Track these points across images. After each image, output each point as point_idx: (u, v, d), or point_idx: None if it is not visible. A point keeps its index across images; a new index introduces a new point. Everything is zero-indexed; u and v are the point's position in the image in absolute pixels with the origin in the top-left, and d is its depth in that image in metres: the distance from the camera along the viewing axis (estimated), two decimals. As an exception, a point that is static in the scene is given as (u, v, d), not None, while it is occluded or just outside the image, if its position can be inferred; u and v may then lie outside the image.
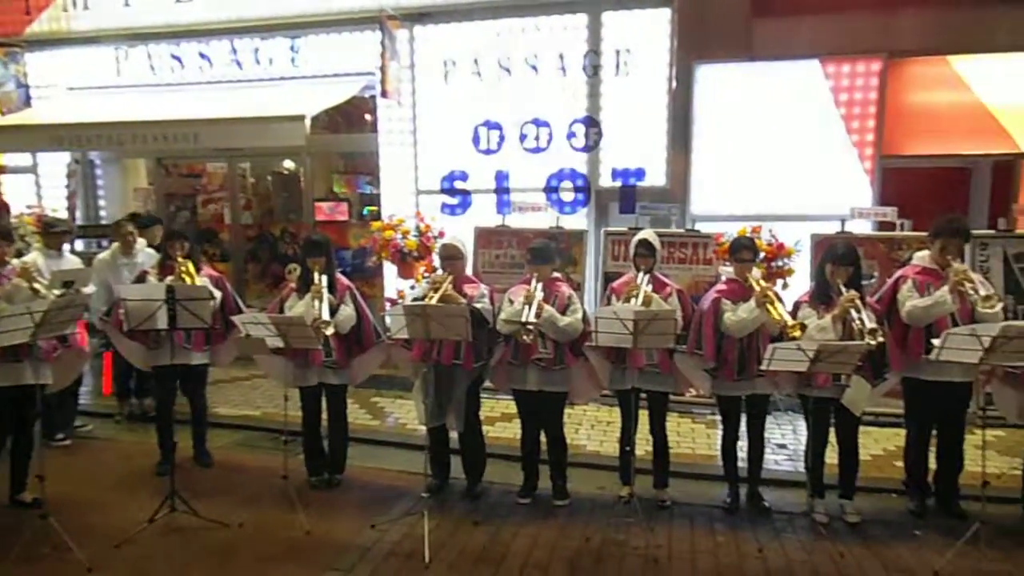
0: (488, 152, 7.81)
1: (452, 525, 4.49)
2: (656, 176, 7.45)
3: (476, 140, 7.81)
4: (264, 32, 8.27)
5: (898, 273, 4.80)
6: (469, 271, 6.92)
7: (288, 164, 9.67)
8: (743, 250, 4.73)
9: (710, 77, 7.45)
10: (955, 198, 7.90)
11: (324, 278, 4.78)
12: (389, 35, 7.28)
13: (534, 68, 7.55)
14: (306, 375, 4.96)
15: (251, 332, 4.59)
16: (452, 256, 4.84)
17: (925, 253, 4.70)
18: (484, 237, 7.35)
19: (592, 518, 4.59)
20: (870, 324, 4.17)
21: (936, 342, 3.99)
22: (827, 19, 7.26)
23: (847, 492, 4.64)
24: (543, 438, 4.96)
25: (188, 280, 4.95)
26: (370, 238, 7.73)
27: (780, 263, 6.86)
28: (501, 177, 7.79)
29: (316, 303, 4.66)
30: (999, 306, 4.29)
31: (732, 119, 7.42)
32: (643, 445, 4.99)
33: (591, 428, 6.33)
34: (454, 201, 8.00)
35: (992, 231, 6.40)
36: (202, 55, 8.58)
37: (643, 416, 4.86)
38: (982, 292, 4.27)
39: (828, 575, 3.89)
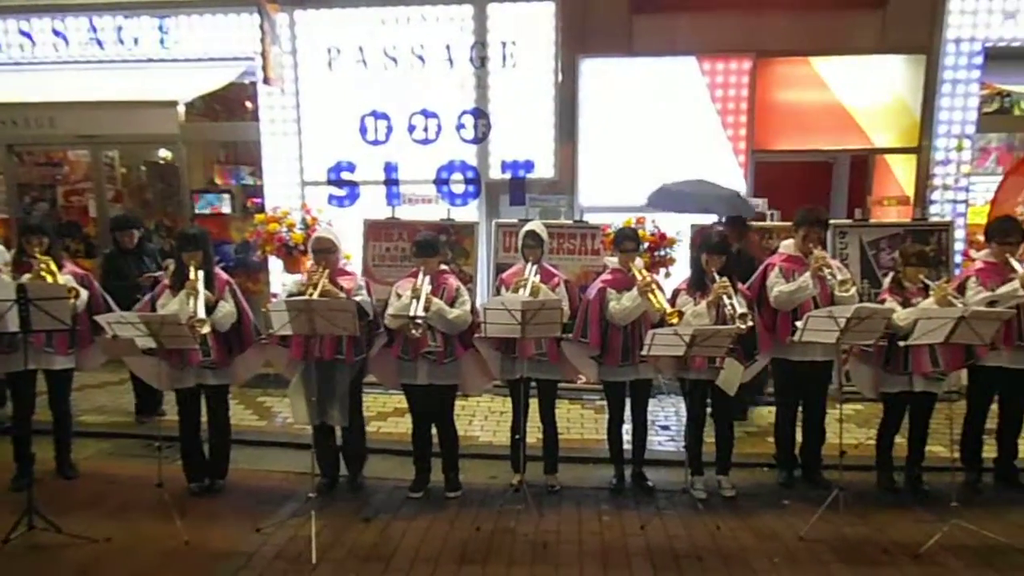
0: (376, 143, 7.67)
1: (341, 524, 4.39)
2: (545, 168, 7.57)
3: (363, 130, 7.64)
4: (127, 10, 7.70)
5: (766, 261, 5.11)
6: (359, 265, 6.86)
7: (163, 153, 9.10)
8: (626, 240, 4.88)
9: (594, 71, 7.64)
10: (818, 190, 8.52)
11: (201, 273, 4.53)
12: (268, 19, 6.98)
13: (421, 58, 7.47)
14: (182, 376, 4.68)
15: (118, 333, 4.30)
16: (325, 249, 4.71)
17: (790, 242, 5.02)
18: (374, 230, 7.21)
19: (483, 507, 4.62)
20: (741, 309, 4.41)
21: (799, 324, 4.29)
22: (702, 17, 7.60)
23: (723, 468, 4.91)
24: (435, 431, 4.94)
25: (49, 278, 4.56)
26: (253, 231, 7.41)
27: (663, 252, 7.16)
28: (390, 168, 7.67)
29: (191, 300, 4.41)
30: (853, 289, 4.65)
31: (616, 112, 7.65)
32: (535, 433, 5.07)
33: (484, 419, 6.37)
34: (342, 193, 7.80)
35: (850, 220, 6.93)
36: (56, 32, 7.89)
37: (534, 404, 4.95)
38: (839, 277, 4.62)
39: (705, 547, 4.10)
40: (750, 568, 3.87)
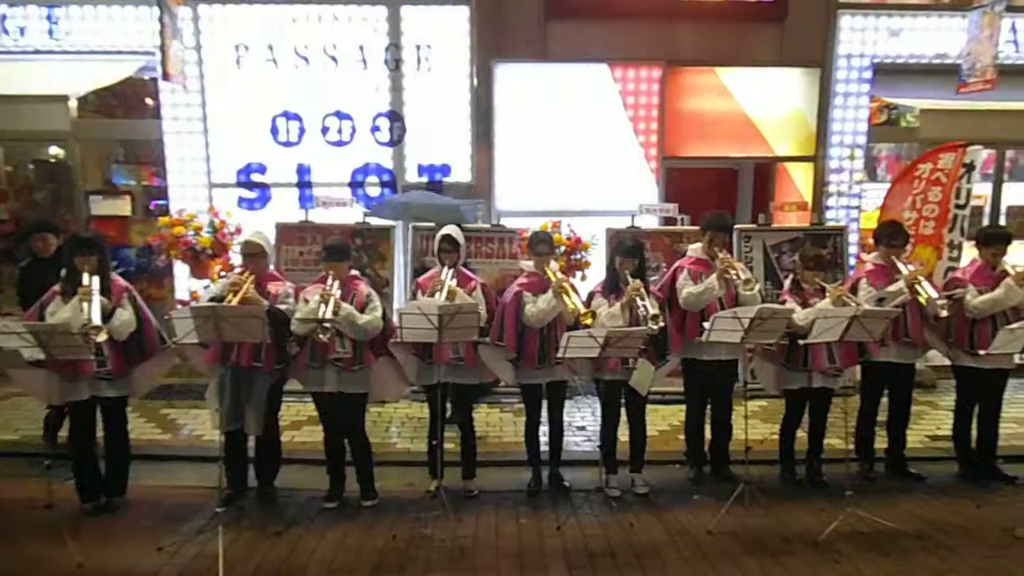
0: (288, 144, 7.46)
1: (251, 538, 4.22)
2: (462, 172, 7.56)
3: (275, 131, 7.43)
4: (12, -3, 7.20)
5: (676, 264, 5.27)
6: (271, 269, 6.63)
7: (54, 151, 8.53)
8: (540, 244, 4.93)
9: (509, 76, 7.70)
10: (725, 196, 8.87)
11: (95, 279, 4.27)
12: (169, 12, 6.66)
13: (334, 59, 7.33)
14: (75, 389, 4.39)
15: (0, 344, 3.99)
16: (255, 253, 4.55)
17: (698, 245, 5.20)
18: (286, 233, 6.98)
19: (400, 515, 4.55)
20: (653, 311, 4.54)
21: (707, 325, 4.45)
22: (614, 26, 7.79)
23: (636, 466, 5.02)
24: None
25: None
26: (157, 235, 7.05)
27: (578, 256, 7.27)
28: (303, 171, 7.48)
29: (85, 307, 4.14)
30: (756, 287, 4.87)
31: (532, 117, 7.73)
32: (452, 438, 5.05)
33: (401, 425, 6.29)
34: (252, 195, 7.55)
35: (754, 225, 7.25)
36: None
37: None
38: (743, 276, 4.82)
39: (620, 544, 4.18)
40: (661, 562, 3.97)
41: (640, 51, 7.78)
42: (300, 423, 6.18)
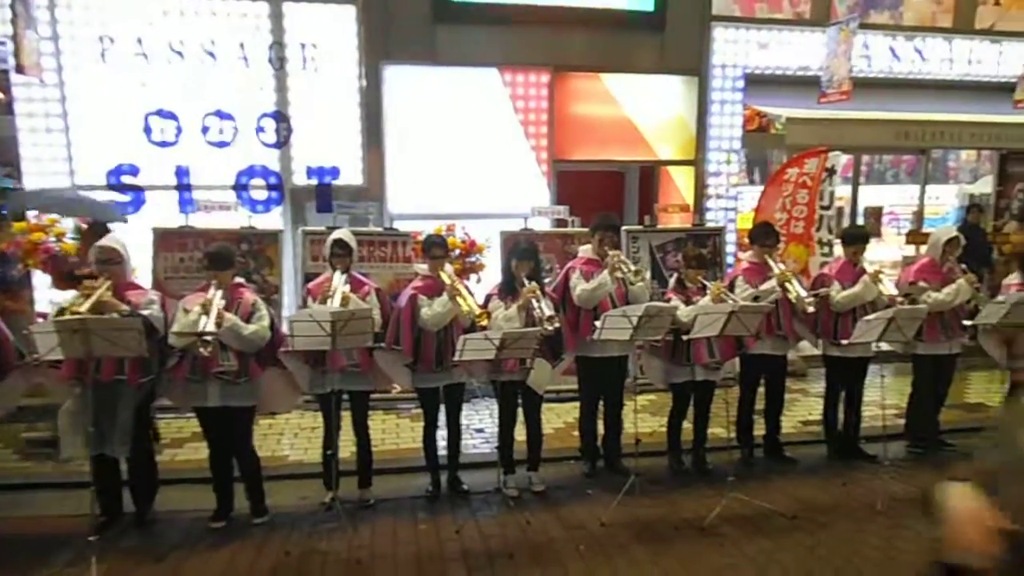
0: (164, 144, 7.04)
1: (129, 566, 3.95)
2: (352, 175, 7.41)
3: (148, 130, 6.98)
4: None
5: (568, 264, 5.40)
6: (148, 278, 6.23)
7: None
8: (434, 247, 4.91)
9: (398, 78, 7.62)
10: (613, 198, 9.18)
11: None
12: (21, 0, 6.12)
13: (212, 55, 6.98)
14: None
15: None
16: (109, 260, 4.24)
17: (588, 246, 5.35)
18: (165, 239, 6.57)
19: (293, 531, 4.40)
20: (548, 312, 4.62)
21: (598, 323, 4.59)
22: (503, 31, 7.87)
23: (533, 465, 5.10)
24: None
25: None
26: (11, 242, 6.44)
27: (473, 259, 7.30)
28: (182, 172, 7.08)
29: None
30: (647, 275, 5.05)
31: (423, 120, 7.69)
32: (348, 447, 4.93)
33: (295, 437, 6.08)
34: (125, 199, 7.06)
35: (640, 226, 7.53)
36: None
37: (347, 418, 4.81)
38: (633, 268, 5.01)
39: (517, 542, 4.23)
40: (558, 558, 4.06)
41: (528, 57, 7.91)
42: (182, 440, 5.85)
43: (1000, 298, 5.31)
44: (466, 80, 7.75)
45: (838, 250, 7.20)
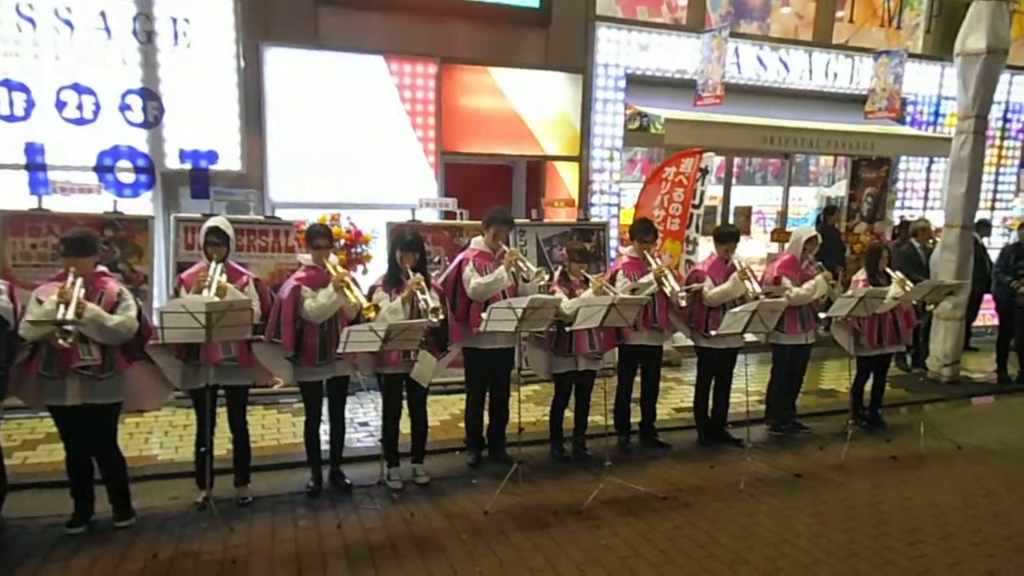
0: (13, 119, 6.42)
1: (-30, 581, 3.62)
2: (230, 160, 7.07)
3: (-7, 102, 6.34)
4: None
5: (460, 256, 5.42)
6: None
7: None
8: (318, 237, 4.79)
9: (280, 61, 7.31)
10: (501, 191, 9.27)
11: None
12: None
13: (68, 23, 6.43)
14: None
15: None
16: None
17: (481, 239, 5.39)
18: (15, 223, 6.03)
19: (162, 532, 4.17)
20: (433, 303, 4.63)
21: (484, 315, 4.64)
22: (389, 18, 7.73)
23: (418, 457, 5.10)
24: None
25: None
26: None
27: (359, 250, 7.19)
28: (34, 151, 6.48)
29: None
30: (546, 278, 5.16)
31: (307, 106, 7.43)
32: (224, 444, 4.73)
33: (164, 435, 5.75)
34: (-36, 177, 6.39)
35: (528, 220, 7.68)
36: None
37: (223, 414, 4.62)
38: (533, 270, 5.10)
39: (400, 535, 4.23)
40: (440, 547, 4.09)
41: (414, 46, 7.82)
42: (35, 442, 5.40)
43: (848, 293, 5.84)
44: (351, 66, 7.55)
45: (703, 248, 7.69)
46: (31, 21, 6.34)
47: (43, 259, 6.03)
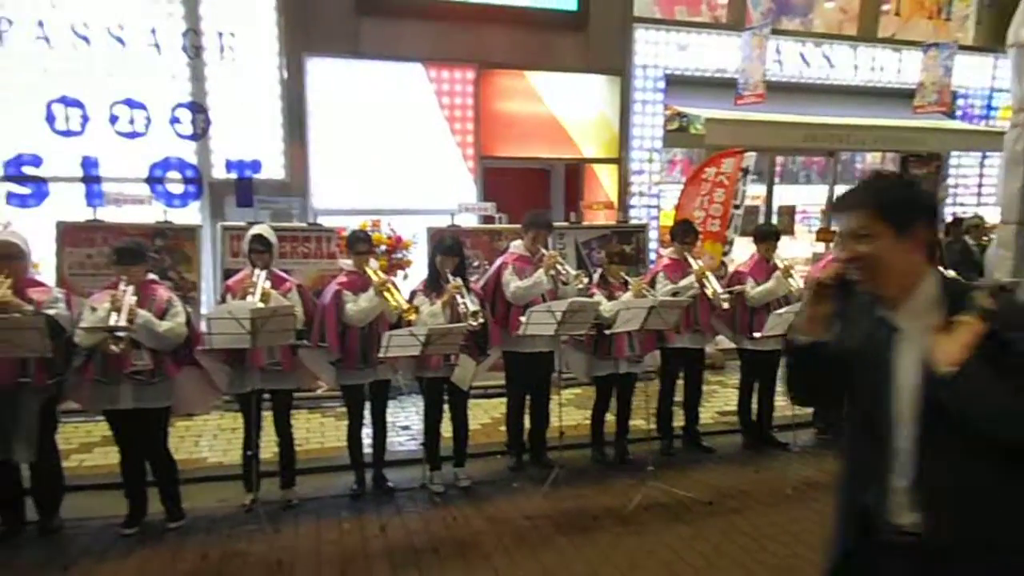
0: (69, 134, 6.68)
1: (31, 577, 3.76)
2: (274, 169, 7.23)
3: (51, 119, 6.60)
4: None
5: (499, 260, 5.43)
6: (51, 274, 5.92)
7: None
8: (359, 243, 4.87)
9: (321, 71, 7.46)
10: (539, 195, 9.27)
11: None
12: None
13: (120, 40, 6.66)
14: None
15: None
16: (10, 255, 4.01)
17: (520, 242, 5.40)
18: (71, 234, 6.23)
19: (211, 533, 4.27)
20: (473, 307, 4.66)
21: (523, 318, 4.64)
22: (428, 26, 7.82)
23: (460, 460, 5.12)
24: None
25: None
26: None
27: (400, 255, 7.25)
28: (89, 164, 6.73)
29: None
30: (585, 281, 5.15)
31: (347, 114, 7.56)
32: (270, 447, 4.83)
33: (214, 438, 5.89)
34: (26, 191, 6.66)
35: (567, 223, 7.65)
36: None
37: (269, 417, 4.71)
38: (572, 273, 5.10)
39: (442, 539, 4.25)
40: (483, 552, 4.09)
41: (453, 52, 7.88)
42: (91, 444, 5.59)
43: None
44: (390, 74, 7.66)
45: (740, 248, 7.56)
46: (86, 39, 6.59)
47: (98, 268, 6.21)
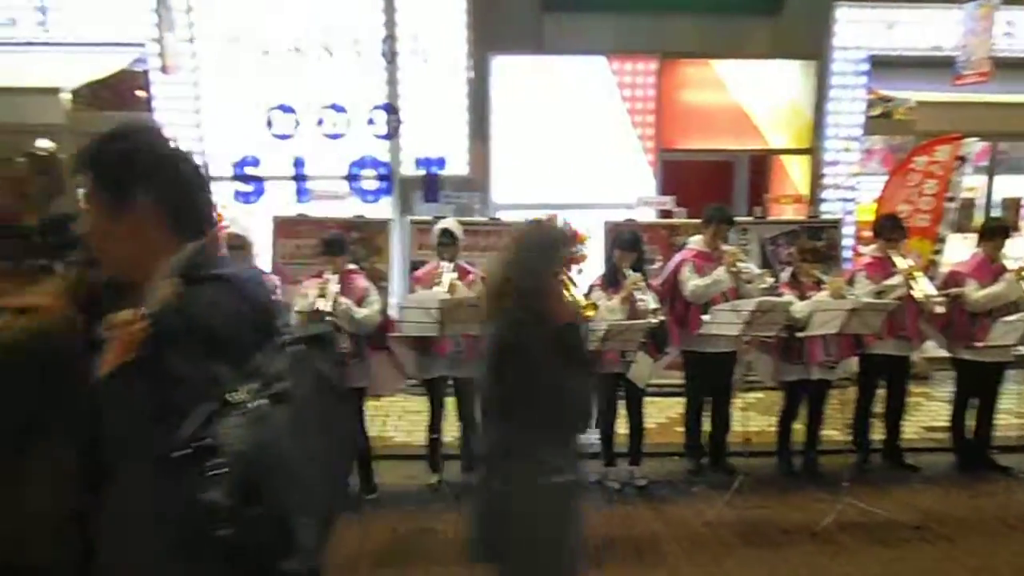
0: (283, 137, 7.41)
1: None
2: (458, 165, 7.54)
3: (269, 124, 7.37)
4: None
5: (678, 257, 5.27)
6: (268, 264, 6.62)
7: (44, 144, 8.43)
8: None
9: (505, 68, 7.64)
10: (721, 188, 8.86)
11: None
12: (164, 4, 6.59)
13: (329, 51, 7.27)
14: None
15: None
16: (239, 246, 4.52)
17: (699, 238, 5.20)
18: (283, 227, 6.94)
19: (400, 508, 4.55)
20: (653, 304, 4.55)
21: (706, 318, 4.46)
22: (609, 18, 7.76)
23: (635, 459, 5.04)
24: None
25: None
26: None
27: (575, 249, 7.26)
28: (299, 163, 7.44)
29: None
30: (770, 280, 4.88)
31: (528, 110, 7.70)
32: (451, 431, 5.05)
33: (399, 419, 6.28)
34: (248, 188, 7.50)
35: (751, 218, 7.26)
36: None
37: (452, 403, 4.92)
38: (756, 271, 4.84)
39: (619, 536, 4.20)
40: (660, 554, 4.00)
41: (636, 43, 7.74)
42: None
43: None
44: (573, 69, 7.69)
45: (953, 246, 6.72)
46: (298, 51, 7.27)
47: (305, 258, 6.87)
